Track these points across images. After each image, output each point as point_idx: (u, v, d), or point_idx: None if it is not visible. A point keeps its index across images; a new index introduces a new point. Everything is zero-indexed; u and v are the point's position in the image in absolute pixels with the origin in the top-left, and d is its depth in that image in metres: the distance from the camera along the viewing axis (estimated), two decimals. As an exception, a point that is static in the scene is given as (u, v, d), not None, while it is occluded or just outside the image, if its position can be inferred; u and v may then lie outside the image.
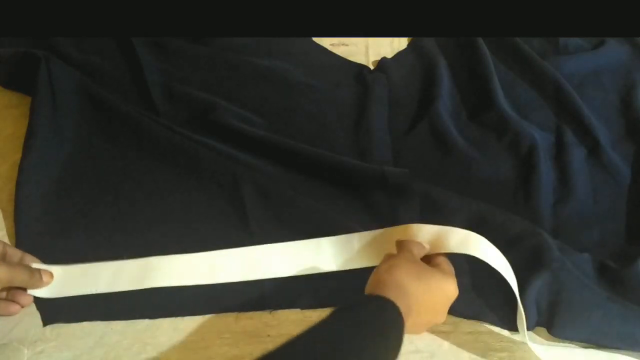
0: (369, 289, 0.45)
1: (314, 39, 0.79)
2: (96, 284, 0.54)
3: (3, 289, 0.52)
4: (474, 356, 0.52)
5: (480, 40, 0.77)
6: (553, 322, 0.52)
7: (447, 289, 0.46)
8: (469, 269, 0.56)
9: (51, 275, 0.53)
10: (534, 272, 0.54)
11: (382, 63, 0.77)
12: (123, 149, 0.64)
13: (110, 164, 0.63)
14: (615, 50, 0.78)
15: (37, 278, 0.52)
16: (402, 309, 0.41)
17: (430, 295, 0.45)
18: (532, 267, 0.54)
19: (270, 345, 0.52)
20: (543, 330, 0.53)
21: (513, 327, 0.53)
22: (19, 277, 0.51)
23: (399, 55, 0.79)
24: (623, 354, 0.51)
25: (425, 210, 0.60)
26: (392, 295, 0.41)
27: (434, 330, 0.54)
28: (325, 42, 0.79)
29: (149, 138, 0.64)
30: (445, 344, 0.53)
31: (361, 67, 0.76)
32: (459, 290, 0.48)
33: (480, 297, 0.55)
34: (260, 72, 0.73)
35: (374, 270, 0.46)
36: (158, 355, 0.52)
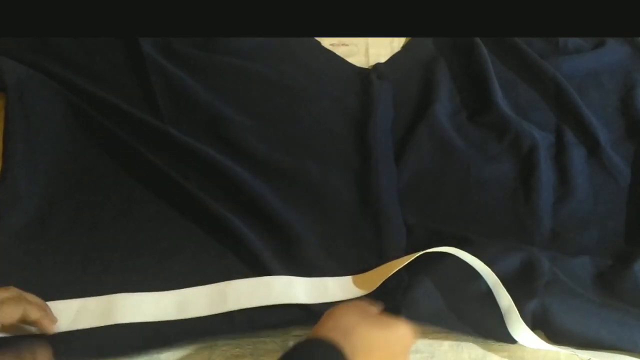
0: (314, 330, 0.43)
1: (323, 44, 0.78)
2: (58, 323, 0.51)
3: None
4: (474, 356, 0.53)
5: (478, 41, 0.76)
6: (550, 332, 0.53)
7: (399, 329, 0.43)
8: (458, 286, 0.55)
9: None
10: (524, 289, 0.53)
11: (377, 68, 0.76)
12: (102, 178, 0.63)
13: (89, 195, 0.61)
14: (615, 50, 0.78)
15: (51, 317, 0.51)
16: (347, 349, 0.39)
17: (379, 334, 0.42)
18: (523, 284, 0.53)
19: (270, 345, 0.52)
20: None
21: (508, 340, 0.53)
22: (33, 315, 0.48)
23: (393, 59, 0.78)
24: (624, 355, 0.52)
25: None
26: (334, 335, 0.40)
27: (434, 331, 0.54)
28: (325, 42, 0.79)
29: (129, 165, 0.63)
30: (445, 344, 0.53)
31: (367, 72, 0.75)
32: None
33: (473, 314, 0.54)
34: (267, 80, 0.72)
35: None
36: (158, 355, 0.52)
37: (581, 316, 0.53)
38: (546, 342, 0.52)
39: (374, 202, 0.62)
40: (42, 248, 0.57)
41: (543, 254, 0.56)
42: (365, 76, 0.75)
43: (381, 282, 0.54)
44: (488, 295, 0.53)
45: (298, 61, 0.76)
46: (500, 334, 0.52)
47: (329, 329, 0.41)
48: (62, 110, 0.65)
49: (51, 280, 0.55)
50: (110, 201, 0.61)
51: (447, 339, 0.53)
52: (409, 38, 0.80)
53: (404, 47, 0.80)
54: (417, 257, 0.54)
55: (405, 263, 0.54)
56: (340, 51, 0.79)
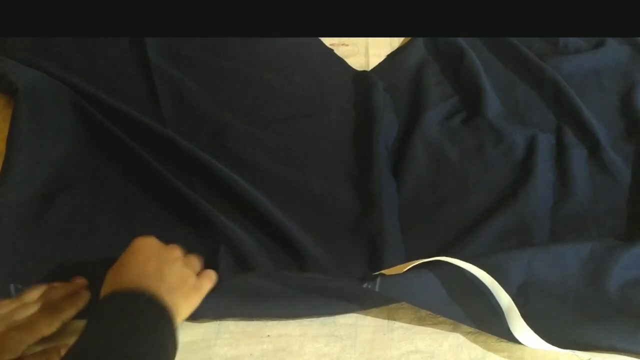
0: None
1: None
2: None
3: None
4: (473, 356, 0.52)
5: (468, 49, 0.76)
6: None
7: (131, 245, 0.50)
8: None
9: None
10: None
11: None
12: (103, 181, 0.63)
13: (88, 196, 0.62)
14: (615, 50, 0.78)
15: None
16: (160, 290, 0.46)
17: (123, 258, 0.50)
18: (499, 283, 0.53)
19: (269, 345, 0.52)
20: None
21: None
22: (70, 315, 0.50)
23: (380, 67, 0.78)
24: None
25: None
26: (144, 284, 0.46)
27: (434, 331, 0.54)
28: (325, 42, 0.79)
29: (131, 169, 0.63)
30: (445, 344, 0.53)
31: (373, 80, 0.75)
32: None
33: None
34: (277, 90, 0.72)
35: None
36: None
37: (553, 313, 0.52)
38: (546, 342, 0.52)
39: (375, 213, 0.61)
40: (36, 245, 0.57)
41: (524, 248, 0.57)
42: (371, 84, 0.74)
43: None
44: (489, 294, 0.53)
45: (308, 70, 0.75)
46: (501, 331, 0.52)
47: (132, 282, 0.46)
48: (70, 113, 0.65)
49: (42, 279, 0.54)
50: (108, 204, 0.61)
51: (447, 339, 0.53)
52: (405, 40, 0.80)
53: (389, 56, 0.79)
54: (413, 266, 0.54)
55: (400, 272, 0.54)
56: (340, 51, 0.79)
